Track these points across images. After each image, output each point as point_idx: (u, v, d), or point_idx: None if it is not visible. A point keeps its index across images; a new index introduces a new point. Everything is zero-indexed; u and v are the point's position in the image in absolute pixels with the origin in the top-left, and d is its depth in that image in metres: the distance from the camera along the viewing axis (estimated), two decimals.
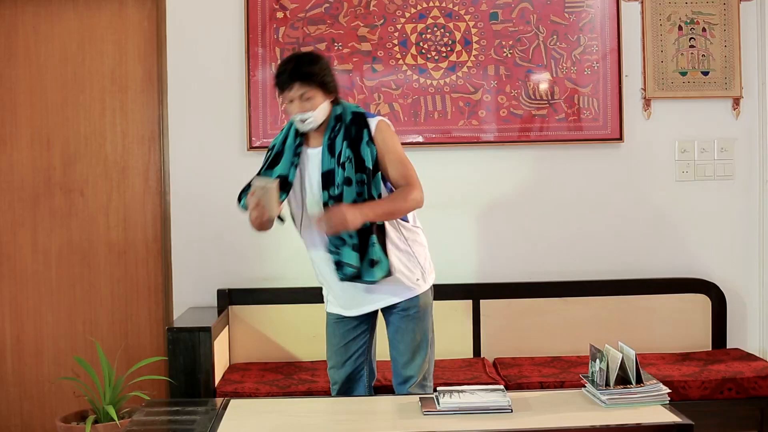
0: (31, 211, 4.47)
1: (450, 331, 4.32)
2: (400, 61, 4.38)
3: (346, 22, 4.36)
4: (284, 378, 3.96)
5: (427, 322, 3.37)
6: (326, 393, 3.69)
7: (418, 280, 3.30)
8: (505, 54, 4.41)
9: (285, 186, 3.16)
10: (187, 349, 3.77)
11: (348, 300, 3.29)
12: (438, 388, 3.03)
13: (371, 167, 3.13)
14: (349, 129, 3.15)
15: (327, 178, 3.14)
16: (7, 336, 4.47)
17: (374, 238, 3.13)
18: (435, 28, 4.39)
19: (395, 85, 4.39)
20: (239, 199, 3.24)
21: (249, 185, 3.19)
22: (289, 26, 4.36)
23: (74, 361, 4.18)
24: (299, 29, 4.36)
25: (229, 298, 4.30)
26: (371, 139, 3.15)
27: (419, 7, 4.39)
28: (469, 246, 4.46)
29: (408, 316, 3.30)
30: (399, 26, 4.38)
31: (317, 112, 3.13)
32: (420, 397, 3.04)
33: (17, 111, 4.45)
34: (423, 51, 4.39)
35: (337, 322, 3.35)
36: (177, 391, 3.77)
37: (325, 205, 3.14)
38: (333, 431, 2.86)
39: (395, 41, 4.38)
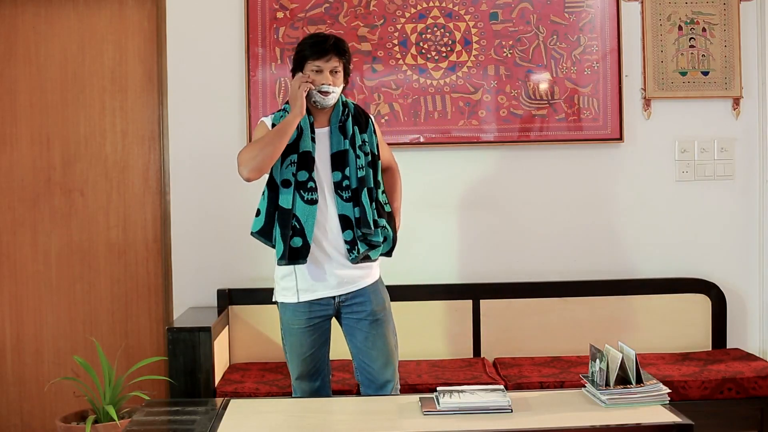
0: (31, 211, 4.47)
1: (450, 331, 4.33)
2: (400, 61, 4.38)
3: (346, 22, 4.36)
4: (284, 378, 3.96)
5: (392, 322, 3.38)
6: None
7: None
8: (505, 54, 4.41)
9: (311, 163, 3.22)
10: (187, 349, 3.77)
11: (336, 279, 3.24)
12: (438, 388, 3.03)
13: (377, 153, 3.32)
14: (357, 116, 3.30)
15: (338, 159, 3.23)
16: (7, 336, 4.47)
17: (383, 221, 3.30)
18: (435, 28, 4.39)
19: (395, 85, 4.39)
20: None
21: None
22: (289, 26, 4.36)
23: (74, 361, 4.18)
24: (299, 29, 4.36)
25: (229, 298, 4.30)
26: (374, 131, 3.35)
27: (419, 7, 4.39)
28: (469, 246, 4.45)
29: (377, 320, 3.29)
30: (399, 26, 4.38)
31: (339, 90, 3.25)
32: (420, 397, 3.05)
33: (17, 111, 4.45)
34: (423, 51, 4.39)
35: (303, 331, 3.27)
36: (177, 391, 3.77)
37: (337, 185, 3.21)
38: (333, 431, 2.86)
39: (395, 41, 4.38)
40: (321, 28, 4.32)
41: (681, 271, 4.47)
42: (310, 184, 3.19)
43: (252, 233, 3.28)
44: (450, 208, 4.43)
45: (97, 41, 4.45)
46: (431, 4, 4.40)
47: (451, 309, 4.33)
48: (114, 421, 3.73)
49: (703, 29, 4.45)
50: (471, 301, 4.34)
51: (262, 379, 3.94)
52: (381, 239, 3.24)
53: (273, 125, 3.25)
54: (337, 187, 3.21)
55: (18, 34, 4.44)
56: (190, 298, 4.38)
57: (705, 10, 4.45)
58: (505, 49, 4.41)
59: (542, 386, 3.80)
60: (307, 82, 3.18)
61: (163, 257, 4.44)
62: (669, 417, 2.84)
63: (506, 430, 2.77)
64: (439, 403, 2.92)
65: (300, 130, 3.22)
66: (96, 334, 4.43)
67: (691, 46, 4.45)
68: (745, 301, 4.51)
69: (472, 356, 4.33)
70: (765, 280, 4.46)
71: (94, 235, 4.48)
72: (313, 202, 3.19)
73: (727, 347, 4.38)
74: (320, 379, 3.35)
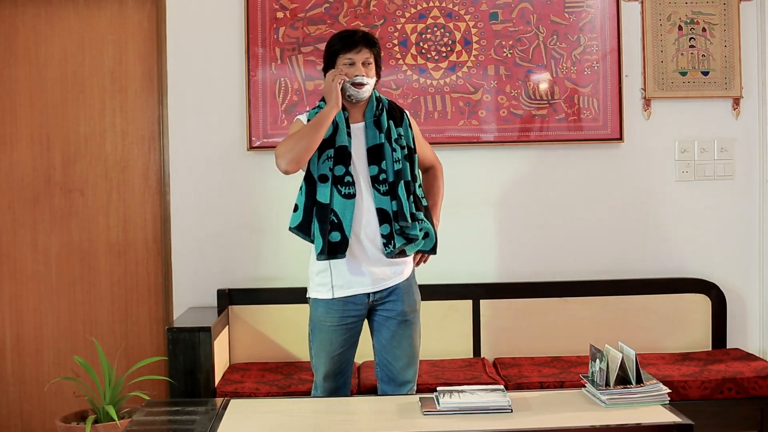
0: (31, 211, 4.47)
1: (450, 331, 4.32)
2: (400, 61, 4.38)
3: (346, 22, 4.36)
4: (284, 378, 3.96)
5: (419, 324, 3.38)
6: None
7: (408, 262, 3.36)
8: (505, 54, 4.41)
9: (347, 157, 3.22)
10: (187, 349, 3.77)
11: (370, 276, 3.24)
12: (438, 388, 3.03)
13: (413, 147, 3.33)
14: (391, 111, 3.31)
15: (374, 153, 3.24)
16: (7, 336, 4.47)
17: (421, 214, 3.31)
18: (435, 28, 4.39)
19: (395, 85, 4.39)
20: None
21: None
22: (289, 26, 4.36)
23: (74, 361, 4.18)
24: (299, 29, 4.36)
25: (229, 298, 4.30)
26: (410, 125, 3.35)
27: (419, 7, 4.39)
28: (469, 246, 4.45)
29: (406, 321, 3.30)
30: (399, 26, 4.39)
31: (372, 82, 3.26)
32: (420, 397, 3.04)
33: (17, 111, 4.45)
34: (423, 51, 4.39)
35: (336, 329, 3.27)
36: (177, 391, 3.77)
37: (374, 179, 3.21)
38: (333, 431, 2.86)
39: (395, 41, 4.38)
40: (321, 28, 4.33)
41: (681, 271, 4.47)
42: (347, 178, 3.19)
43: (290, 229, 3.27)
44: (449, 208, 4.39)
45: (97, 41, 4.45)
46: (431, 4, 4.40)
47: (451, 309, 4.33)
48: (114, 421, 3.73)
49: (703, 29, 4.45)
50: (471, 301, 4.35)
51: (262, 379, 3.94)
52: (418, 232, 3.25)
53: (309, 121, 3.25)
54: (374, 180, 3.22)
55: (18, 34, 4.44)
56: (190, 298, 4.38)
57: (705, 10, 4.45)
58: (505, 49, 4.41)
59: (542, 386, 3.80)
60: (340, 74, 3.19)
61: (163, 257, 4.44)
62: (669, 417, 2.84)
63: (506, 430, 2.77)
64: (439, 403, 2.92)
65: (336, 126, 3.23)
66: (96, 334, 4.43)
67: (691, 46, 4.45)
68: (745, 301, 4.51)
69: (472, 356, 4.34)
70: (765, 280, 4.46)
71: (94, 235, 4.48)
72: (351, 196, 3.19)
73: (727, 347, 4.38)
74: (343, 379, 3.35)
